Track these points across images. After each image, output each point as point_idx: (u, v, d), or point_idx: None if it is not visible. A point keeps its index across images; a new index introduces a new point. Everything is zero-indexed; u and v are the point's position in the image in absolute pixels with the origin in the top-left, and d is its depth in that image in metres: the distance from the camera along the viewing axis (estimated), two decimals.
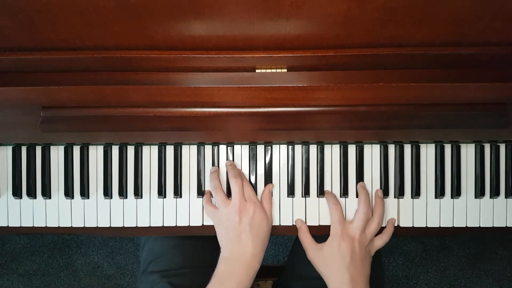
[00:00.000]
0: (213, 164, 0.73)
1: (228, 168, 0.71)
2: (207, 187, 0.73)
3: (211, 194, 0.72)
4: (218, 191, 0.70)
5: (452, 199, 0.72)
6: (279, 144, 0.73)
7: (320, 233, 0.72)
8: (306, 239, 0.71)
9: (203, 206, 0.72)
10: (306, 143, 0.72)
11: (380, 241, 0.70)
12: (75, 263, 1.38)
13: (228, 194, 0.71)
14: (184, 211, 0.73)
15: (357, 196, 0.72)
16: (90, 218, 0.73)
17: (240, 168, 0.73)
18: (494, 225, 0.72)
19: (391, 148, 0.72)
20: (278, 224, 0.72)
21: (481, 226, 0.72)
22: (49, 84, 0.60)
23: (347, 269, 0.65)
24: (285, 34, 0.57)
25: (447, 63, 0.60)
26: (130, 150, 0.73)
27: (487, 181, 0.72)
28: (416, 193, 0.72)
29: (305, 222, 0.72)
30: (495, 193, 0.72)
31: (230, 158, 0.73)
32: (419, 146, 0.72)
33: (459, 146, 0.72)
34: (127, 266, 1.37)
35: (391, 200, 0.72)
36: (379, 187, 0.72)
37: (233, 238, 0.66)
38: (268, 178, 0.73)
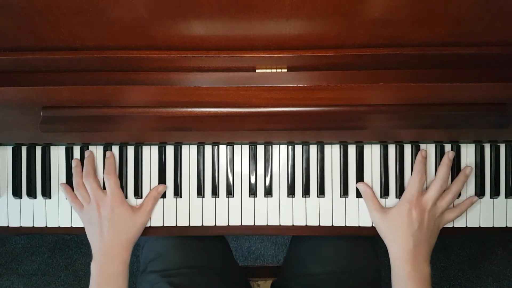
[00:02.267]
0: (213, 164, 0.73)
1: (106, 163, 0.71)
2: (207, 187, 0.72)
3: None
4: (79, 187, 0.70)
5: None
6: (279, 144, 0.73)
7: (321, 233, 0.72)
8: (373, 200, 0.70)
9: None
10: (306, 143, 0.72)
11: (452, 215, 0.69)
12: (75, 263, 1.38)
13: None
14: (184, 211, 0.73)
15: (357, 196, 0.72)
16: None
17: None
18: (494, 225, 0.72)
19: (391, 148, 0.72)
20: (278, 224, 0.72)
21: (481, 226, 0.72)
22: (49, 84, 0.60)
23: (412, 236, 0.64)
24: (285, 34, 0.57)
25: (447, 63, 0.60)
26: (130, 150, 0.73)
27: (487, 181, 0.72)
28: None
29: (306, 222, 0.72)
30: (495, 193, 0.72)
31: (230, 158, 0.73)
32: (419, 146, 0.72)
33: (459, 146, 0.72)
34: None
35: (391, 200, 0.72)
36: (379, 187, 0.72)
37: (96, 233, 0.68)
38: (268, 178, 0.73)
